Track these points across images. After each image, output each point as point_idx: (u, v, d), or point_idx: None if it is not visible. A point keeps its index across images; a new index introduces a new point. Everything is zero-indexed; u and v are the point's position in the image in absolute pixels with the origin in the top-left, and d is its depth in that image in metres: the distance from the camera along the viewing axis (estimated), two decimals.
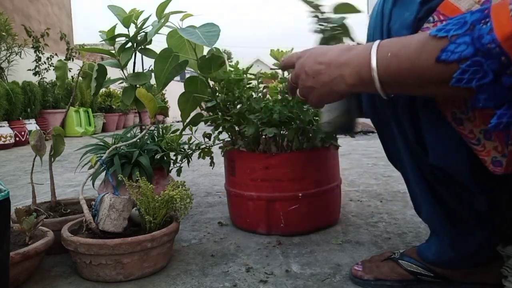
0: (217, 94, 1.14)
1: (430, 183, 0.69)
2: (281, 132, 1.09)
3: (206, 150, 1.25)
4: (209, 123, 1.20)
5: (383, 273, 0.79)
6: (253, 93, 1.16)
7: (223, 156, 1.19)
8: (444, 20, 0.55)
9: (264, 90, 1.18)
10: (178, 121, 8.27)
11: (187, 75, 1.16)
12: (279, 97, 1.11)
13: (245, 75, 1.14)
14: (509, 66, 0.41)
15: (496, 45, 0.41)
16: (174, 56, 1.04)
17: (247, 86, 1.15)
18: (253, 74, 1.16)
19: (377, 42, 0.53)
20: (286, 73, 1.13)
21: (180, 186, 0.93)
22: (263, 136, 1.10)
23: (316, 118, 1.07)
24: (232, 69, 1.14)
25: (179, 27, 1.03)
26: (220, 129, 1.18)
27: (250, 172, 1.08)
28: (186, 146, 1.26)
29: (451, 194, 0.68)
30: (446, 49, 0.44)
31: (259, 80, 1.16)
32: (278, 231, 1.09)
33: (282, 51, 1.09)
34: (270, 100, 1.11)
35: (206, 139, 1.25)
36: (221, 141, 1.23)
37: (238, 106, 1.13)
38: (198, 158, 1.27)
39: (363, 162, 2.36)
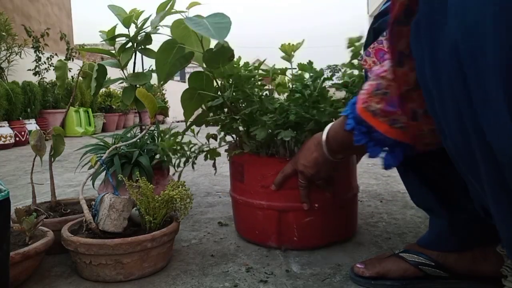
0: (224, 91, 1.03)
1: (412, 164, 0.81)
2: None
3: (212, 151, 1.14)
4: (211, 124, 1.12)
5: (385, 268, 0.80)
6: (266, 92, 1.07)
7: (228, 160, 1.09)
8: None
9: (270, 87, 1.10)
10: (178, 121, 8.27)
11: (191, 71, 1.08)
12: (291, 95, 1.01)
13: (256, 71, 1.04)
14: (370, 127, 0.64)
15: (359, 116, 0.65)
16: (178, 47, 0.94)
17: (259, 83, 1.05)
18: (266, 70, 1.06)
19: (327, 129, 0.80)
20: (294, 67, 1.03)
21: (180, 186, 0.93)
22: (276, 139, 0.97)
23: (333, 119, 0.97)
24: (241, 64, 1.05)
25: (185, 17, 1.01)
26: (227, 130, 1.08)
27: (260, 179, 0.97)
28: (187, 148, 1.18)
29: (436, 172, 0.79)
30: (346, 123, 0.69)
31: (273, 77, 1.06)
32: (291, 245, 0.98)
33: (293, 44, 1.00)
34: (280, 99, 1.03)
35: (211, 140, 1.16)
36: (226, 144, 1.13)
37: (246, 105, 1.03)
38: (205, 159, 1.17)
39: (363, 162, 2.37)
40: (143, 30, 1.23)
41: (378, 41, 0.74)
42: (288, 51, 1.01)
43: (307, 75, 0.99)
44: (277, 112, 0.96)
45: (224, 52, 0.91)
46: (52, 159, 1.10)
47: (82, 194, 0.96)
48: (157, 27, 1.13)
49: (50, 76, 5.89)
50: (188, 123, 1.09)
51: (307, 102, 0.96)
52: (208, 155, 1.15)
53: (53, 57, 5.96)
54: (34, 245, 0.83)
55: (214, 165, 1.21)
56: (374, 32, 0.77)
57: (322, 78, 0.97)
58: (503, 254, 0.69)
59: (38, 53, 5.72)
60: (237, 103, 1.04)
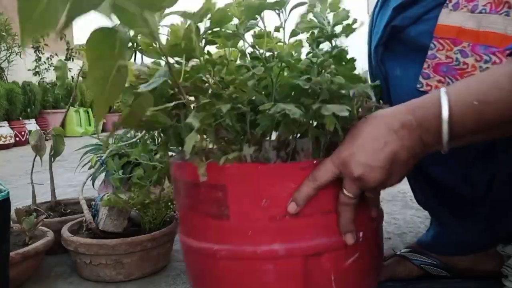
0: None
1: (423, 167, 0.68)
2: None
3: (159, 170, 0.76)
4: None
5: (393, 271, 0.80)
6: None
7: (176, 183, 0.61)
8: (445, 45, 0.56)
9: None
10: None
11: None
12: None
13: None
14: None
15: None
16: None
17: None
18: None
19: (444, 91, 0.45)
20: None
21: None
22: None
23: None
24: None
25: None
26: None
27: (269, 204, 0.52)
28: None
29: (445, 177, 0.68)
30: None
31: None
32: None
33: None
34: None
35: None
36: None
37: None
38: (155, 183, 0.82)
39: None
40: None
41: (429, 57, 0.58)
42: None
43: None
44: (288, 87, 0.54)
45: None
46: (52, 159, 1.10)
47: (82, 194, 0.96)
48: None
49: (50, 76, 5.90)
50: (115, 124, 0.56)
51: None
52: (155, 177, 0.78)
53: (53, 57, 5.96)
54: (34, 245, 0.83)
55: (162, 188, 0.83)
56: (391, 29, 0.63)
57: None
58: (504, 254, 0.69)
59: (38, 53, 5.73)
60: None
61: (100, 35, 0.45)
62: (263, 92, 0.56)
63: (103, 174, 1.26)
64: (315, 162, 0.52)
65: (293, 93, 0.53)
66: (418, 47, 0.61)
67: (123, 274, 0.85)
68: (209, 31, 0.54)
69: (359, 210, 0.53)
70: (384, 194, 1.57)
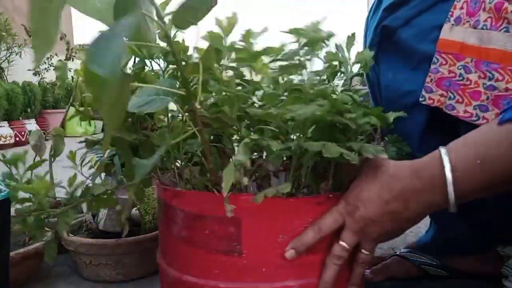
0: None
1: None
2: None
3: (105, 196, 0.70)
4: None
5: (393, 272, 0.80)
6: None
7: (171, 210, 0.56)
8: (448, 60, 0.57)
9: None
10: None
11: None
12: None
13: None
14: None
15: None
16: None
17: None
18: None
19: (444, 152, 0.46)
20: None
21: None
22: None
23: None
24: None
25: None
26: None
27: (286, 240, 0.51)
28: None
29: None
30: None
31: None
32: None
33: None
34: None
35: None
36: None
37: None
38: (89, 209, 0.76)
39: None
40: None
41: (432, 71, 0.59)
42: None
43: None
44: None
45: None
46: (52, 159, 1.10)
47: None
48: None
49: (50, 76, 5.89)
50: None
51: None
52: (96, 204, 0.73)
53: (53, 57, 5.96)
54: (34, 245, 0.83)
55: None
56: (381, 30, 0.65)
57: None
58: (504, 255, 0.69)
59: None
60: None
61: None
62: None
63: (103, 174, 1.26)
64: (330, 196, 0.51)
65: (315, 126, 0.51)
66: (408, 50, 0.62)
67: (123, 274, 0.85)
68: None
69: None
70: None
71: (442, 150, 0.46)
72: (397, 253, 0.82)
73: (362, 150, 0.46)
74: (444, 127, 0.61)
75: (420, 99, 0.61)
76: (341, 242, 0.50)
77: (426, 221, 1.10)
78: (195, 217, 0.52)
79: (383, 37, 0.65)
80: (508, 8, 0.50)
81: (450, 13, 0.57)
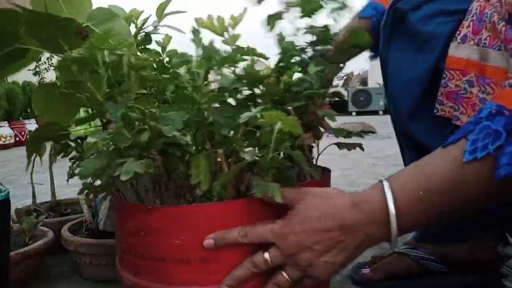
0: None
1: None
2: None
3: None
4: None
5: (393, 269, 0.80)
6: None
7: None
8: (455, 75, 0.61)
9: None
10: None
11: None
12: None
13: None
14: None
15: None
16: None
17: None
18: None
19: (387, 185, 0.46)
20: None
21: None
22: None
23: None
24: None
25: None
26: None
27: (119, 238, 0.60)
28: None
29: None
30: (500, 164, 0.40)
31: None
32: None
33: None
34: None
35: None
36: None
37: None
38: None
39: (363, 162, 2.36)
40: (143, 30, 1.23)
41: (442, 85, 0.63)
42: (216, 29, 0.55)
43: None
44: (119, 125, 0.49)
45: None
46: (52, 159, 1.10)
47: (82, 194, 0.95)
48: (157, 27, 1.12)
49: (50, 76, 5.90)
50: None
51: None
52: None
53: (53, 57, 5.96)
54: (34, 245, 0.83)
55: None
56: (394, 12, 0.69)
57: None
58: (504, 255, 0.69)
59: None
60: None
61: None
62: None
63: None
64: (149, 208, 0.50)
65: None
66: (415, 32, 0.66)
67: None
68: None
69: (210, 267, 0.49)
70: None
71: (385, 183, 0.46)
72: (396, 250, 0.83)
73: (255, 188, 0.46)
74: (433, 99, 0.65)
75: (434, 110, 0.64)
76: (265, 255, 0.48)
77: None
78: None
79: (394, 18, 0.69)
80: (501, 29, 0.54)
81: (457, 31, 0.61)
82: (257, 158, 0.47)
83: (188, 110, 0.51)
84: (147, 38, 1.22)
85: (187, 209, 0.50)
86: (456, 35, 0.61)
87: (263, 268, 0.48)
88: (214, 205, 0.50)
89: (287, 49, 0.58)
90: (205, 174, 0.48)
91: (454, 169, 0.43)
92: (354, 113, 8.39)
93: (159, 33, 1.15)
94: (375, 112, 8.14)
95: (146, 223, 0.50)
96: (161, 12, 1.14)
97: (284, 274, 0.48)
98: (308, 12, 0.57)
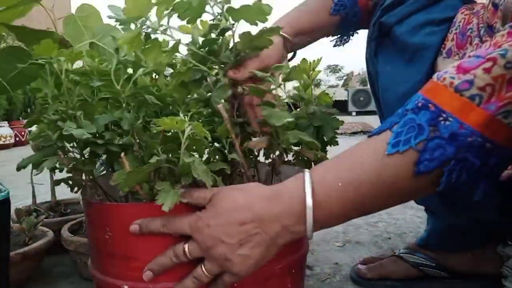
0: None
1: None
2: None
3: None
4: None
5: (387, 270, 0.80)
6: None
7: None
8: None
9: None
10: None
11: None
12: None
13: None
14: (494, 149, 0.39)
15: (477, 136, 0.39)
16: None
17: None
18: None
19: (308, 176, 0.44)
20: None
21: None
22: None
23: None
24: None
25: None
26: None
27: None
28: None
29: None
30: (421, 159, 0.40)
31: None
32: None
33: None
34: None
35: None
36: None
37: None
38: None
39: None
40: (143, 30, 1.23)
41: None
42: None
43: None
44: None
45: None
46: None
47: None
48: (157, 28, 1.13)
49: None
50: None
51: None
52: None
53: None
54: (34, 245, 0.83)
55: None
56: (379, 26, 0.70)
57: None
58: (503, 255, 0.69)
59: None
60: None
61: None
62: None
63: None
64: (89, 201, 0.56)
65: None
66: (403, 44, 0.66)
67: None
68: None
69: (129, 264, 0.50)
70: None
71: (307, 174, 0.44)
72: (396, 253, 0.82)
73: (158, 195, 0.46)
74: None
75: None
76: (184, 247, 0.47)
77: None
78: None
79: (380, 33, 0.69)
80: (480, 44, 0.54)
81: (443, 45, 0.61)
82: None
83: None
84: (147, 38, 1.22)
85: (111, 207, 0.53)
86: (441, 49, 0.61)
87: (183, 259, 0.47)
88: (134, 205, 0.53)
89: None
90: (125, 176, 0.48)
91: (376, 160, 0.42)
92: (354, 113, 8.40)
93: (159, 33, 1.15)
94: (375, 112, 8.13)
95: (87, 217, 0.57)
96: (161, 12, 1.14)
97: (203, 268, 0.47)
98: None
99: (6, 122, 4.57)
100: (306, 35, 0.73)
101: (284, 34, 0.67)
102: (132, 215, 0.49)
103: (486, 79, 0.38)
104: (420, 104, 0.41)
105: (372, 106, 8.70)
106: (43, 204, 1.14)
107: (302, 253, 0.56)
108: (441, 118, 0.40)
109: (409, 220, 1.21)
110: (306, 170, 0.45)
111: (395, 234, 1.09)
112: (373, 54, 0.72)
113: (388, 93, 0.68)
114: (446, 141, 0.39)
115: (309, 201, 0.43)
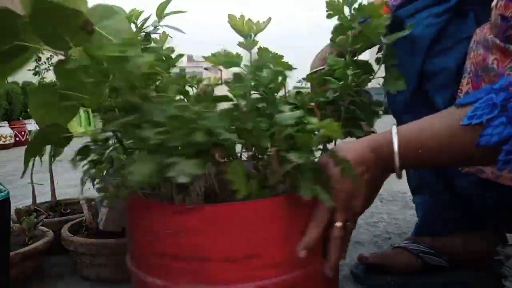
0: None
1: None
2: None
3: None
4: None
5: (389, 257, 0.81)
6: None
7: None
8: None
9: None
10: None
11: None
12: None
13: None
14: None
15: None
16: None
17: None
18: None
19: (395, 134, 0.53)
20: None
21: None
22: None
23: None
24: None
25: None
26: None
27: (151, 241, 0.52)
28: None
29: None
30: (484, 133, 0.46)
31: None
32: None
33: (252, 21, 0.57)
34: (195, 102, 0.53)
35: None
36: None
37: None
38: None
39: None
40: (143, 30, 1.23)
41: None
42: (244, 30, 0.57)
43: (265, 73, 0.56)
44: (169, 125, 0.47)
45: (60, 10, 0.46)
46: (52, 159, 1.10)
47: (82, 194, 0.96)
48: (157, 27, 1.13)
49: (50, 76, 5.90)
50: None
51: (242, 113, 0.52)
52: None
53: (53, 57, 5.96)
54: (34, 245, 0.83)
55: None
56: (392, 21, 0.72)
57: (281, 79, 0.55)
58: (503, 255, 0.69)
59: (38, 53, 5.74)
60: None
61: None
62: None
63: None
64: (187, 207, 0.49)
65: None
66: (409, 36, 0.70)
67: (123, 274, 0.85)
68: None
69: (252, 263, 0.49)
70: (384, 194, 1.57)
71: (394, 131, 0.54)
72: (396, 245, 0.84)
73: (302, 189, 0.48)
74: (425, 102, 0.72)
75: None
76: (336, 224, 0.52)
77: None
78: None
79: (394, 25, 0.73)
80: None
81: (459, 90, 0.63)
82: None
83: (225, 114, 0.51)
84: (147, 38, 1.22)
85: (230, 208, 0.49)
86: (458, 93, 0.64)
87: (326, 219, 0.52)
88: (257, 202, 0.50)
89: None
90: (244, 180, 0.48)
91: (452, 126, 0.49)
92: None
93: (159, 33, 1.16)
94: None
95: (186, 224, 0.49)
96: (161, 12, 1.15)
97: (338, 220, 0.52)
98: None
99: (6, 122, 4.57)
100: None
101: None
102: (259, 211, 0.50)
103: None
104: (504, 86, 0.46)
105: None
106: (43, 204, 1.14)
107: None
108: None
109: (409, 220, 1.21)
110: (394, 127, 0.54)
111: (395, 234, 1.09)
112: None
113: None
114: (508, 120, 0.44)
115: (395, 151, 0.53)
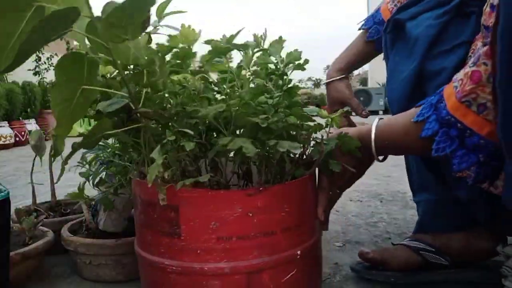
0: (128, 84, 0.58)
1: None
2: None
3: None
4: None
5: (390, 253, 0.81)
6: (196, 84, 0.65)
7: (135, 198, 0.67)
8: None
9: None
10: None
11: None
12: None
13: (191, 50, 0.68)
14: (465, 130, 0.54)
15: (450, 116, 0.55)
16: (37, 7, 0.43)
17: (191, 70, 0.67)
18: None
19: (374, 127, 0.66)
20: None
21: None
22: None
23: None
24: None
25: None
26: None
27: (218, 227, 0.58)
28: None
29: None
30: (424, 128, 0.58)
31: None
32: None
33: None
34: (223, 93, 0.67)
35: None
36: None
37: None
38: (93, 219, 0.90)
39: None
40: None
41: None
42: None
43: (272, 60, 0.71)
44: (218, 105, 0.59)
45: (138, 8, 0.50)
46: (52, 159, 1.10)
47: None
48: (157, 27, 1.12)
49: (50, 76, 5.90)
50: (72, 144, 0.68)
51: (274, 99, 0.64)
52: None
53: (53, 57, 5.96)
54: (34, 245, 0.83)
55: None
56: (394, 22, 0.78)
57: (292, 66, 0.70)
58: (503, 255, 0.69)
59: (38, 53, 5.73)
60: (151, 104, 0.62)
61: (69, 60, 0.51)
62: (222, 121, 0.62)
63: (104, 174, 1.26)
64: (261, 189, 0.58)
65: (249, 126, 0.61)
66: (409, 37, 0.75)
67: (123, 274, 0.85)
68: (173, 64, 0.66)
69: (298, 234, 0.62)
70: (384, 194, 1.57)
71: (373, 126, 0.66)
72: (397, 243, 0.84)
73: (277, 146, 0.55)
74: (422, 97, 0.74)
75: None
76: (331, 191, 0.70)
77: None
78: (148, 203, 0.62)
79: (394, 28, 0.79)
80: None
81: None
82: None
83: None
84: (147, 38, 1.22)
85: (288, 186, 0.62)
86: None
87: (328, 189, 0.68)
88: (303, 180, 0.64)
89: None
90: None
91: (406, 123, 0.62)
92: (354, 113, 8.40)
93: (159, 33, 1.15)
94: (375, 112, 8.15)
95: (258, 203, 0.58)
96: (160, 12, 1.14)
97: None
98: None
99: (6, 122, 4.57)
100: (356, 65, 1.04)
101: (343, 75, 1.03)
102: (303, 187, 0.64)
103: (461, 74, 0.55)
104: (439, 91, 0.59)
105: (373, 106, 8.70)
106: (43, 204, 1.14)
107: (314, 240, 0.67)
108: (440, 100, 0.57)
109: (409, 220, 1.21)
110: (376, 120, 0.67)
111: (395, 234, 1.09)
112: (386, 46, 0.83)
113: (392, 79, 0.80)
114: (436, 117, 0.57)
115: (372, 143, 0.66)
